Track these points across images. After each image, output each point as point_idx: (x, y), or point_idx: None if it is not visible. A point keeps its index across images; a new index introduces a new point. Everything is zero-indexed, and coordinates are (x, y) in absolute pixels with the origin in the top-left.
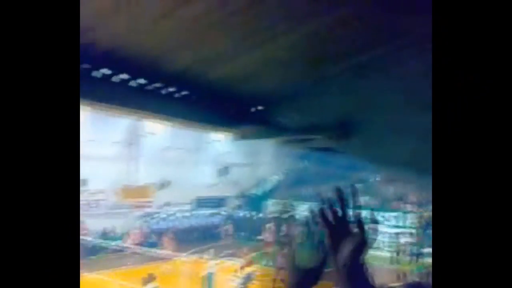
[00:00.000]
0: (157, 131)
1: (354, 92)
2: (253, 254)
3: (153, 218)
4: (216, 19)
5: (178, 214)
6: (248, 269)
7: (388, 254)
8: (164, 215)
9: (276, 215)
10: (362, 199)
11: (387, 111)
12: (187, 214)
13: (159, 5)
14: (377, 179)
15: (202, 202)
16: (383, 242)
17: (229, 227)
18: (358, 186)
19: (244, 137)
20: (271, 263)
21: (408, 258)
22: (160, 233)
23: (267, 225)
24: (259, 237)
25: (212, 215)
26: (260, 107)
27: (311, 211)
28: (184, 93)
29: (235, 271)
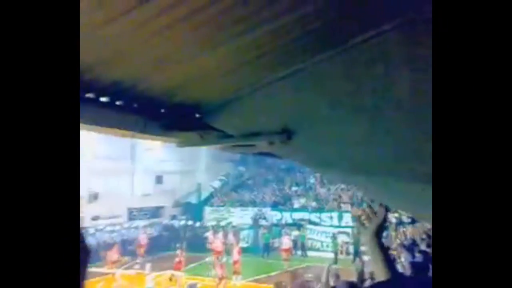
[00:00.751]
0: (87, 140)
1: (295, 99)
2: (193, 265)
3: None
4: (156, 26)
5: (109, 228)
6: (190, 281)
7: (328, 255)
8: (94, 230)
9: (214, 222)
10: (300, 201)
11: (327, 119)
12: (119, 227)
13: (99, 13)
14: (312, 181)
15: (134, 214)
16: (322, 242)
17: (165, 238)
18: (296, 189)
19: (183, 144)
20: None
21: (346, 257)
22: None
23: (211, 234)
24: (209, 246)
25: (146, 226)
26: (200, 114)
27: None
28: (119, 102)
29: (175, 284)
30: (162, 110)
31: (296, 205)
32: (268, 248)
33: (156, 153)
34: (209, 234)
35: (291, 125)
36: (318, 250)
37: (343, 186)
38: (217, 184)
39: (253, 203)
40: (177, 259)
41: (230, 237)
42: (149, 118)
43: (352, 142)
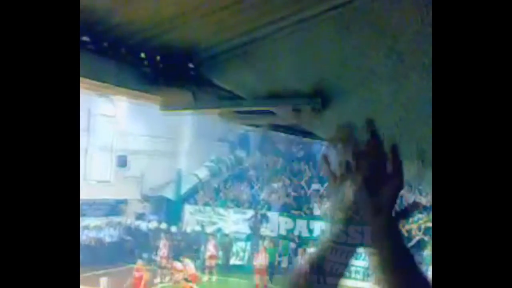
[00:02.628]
0: None
1: (336, 48)
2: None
3: None
4: None
5: None
6: None
7: (357, 284)
8: None
9: (198, 228)
10: (323, 205)
11: (377, 76)
12: None
13: None
14: None
15: (88, 208)
16: (349, 266)
17: (128, 245)
18: (317, 187)
19: (167, 106)
20: None
21: None
22: None
23: (162, 244)
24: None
25: (102, 227)
26: (195, 64)
27: None
28: (85, 37)
29: None
30: (142, 55)
31: (316, 211)
32: (272, 269)
33: (118, 122)
34: (161, 243)
35: (328, 85)
36: (344, 276)
37: None
38: (203, 173)
39: (254, 204)
40: (136, 274)
41: (211, 249)
42: (123, 64)
43: (412, 113)
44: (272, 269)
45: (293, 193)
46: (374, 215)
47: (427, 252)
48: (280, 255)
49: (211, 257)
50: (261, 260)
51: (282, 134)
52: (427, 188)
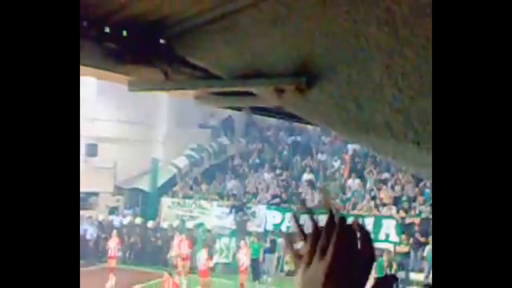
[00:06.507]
0: None
1: (317, 20)
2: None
3: None
4: None
5: None
6: None
7: None
8: None
9: (176, 222)
10: (315, 197)
11: (367, 52)
12: None
13: None
14: (336, 165)
15: None
16: None
17: (100, 242)
18: (310, 177)
19: (136, 86)
20: None
21: None
22: None
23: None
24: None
25: None
26: (166, 38)
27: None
28: None
29: None
30: (106, 29)
31: (308, 204)
32: (257, 267)
33: (86, 106)
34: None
35: (314, 62)
36: None
37: (386, 174)
38: (183, 162)
39: (239, 196)
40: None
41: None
42: (85, 40)
43: (407, 91)
44: (256, 267)
45: (282, 184)
46: None
47: None
48: (266, 252)
49: (183, 259)
50: (243, 258)
51: (270, 119)
52: (427, 174)
